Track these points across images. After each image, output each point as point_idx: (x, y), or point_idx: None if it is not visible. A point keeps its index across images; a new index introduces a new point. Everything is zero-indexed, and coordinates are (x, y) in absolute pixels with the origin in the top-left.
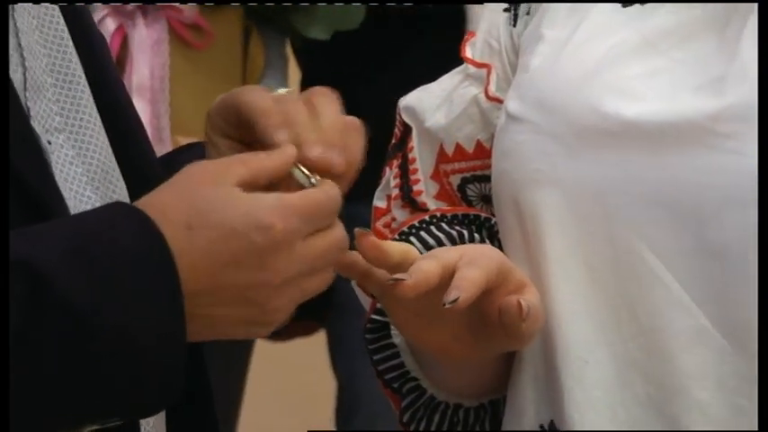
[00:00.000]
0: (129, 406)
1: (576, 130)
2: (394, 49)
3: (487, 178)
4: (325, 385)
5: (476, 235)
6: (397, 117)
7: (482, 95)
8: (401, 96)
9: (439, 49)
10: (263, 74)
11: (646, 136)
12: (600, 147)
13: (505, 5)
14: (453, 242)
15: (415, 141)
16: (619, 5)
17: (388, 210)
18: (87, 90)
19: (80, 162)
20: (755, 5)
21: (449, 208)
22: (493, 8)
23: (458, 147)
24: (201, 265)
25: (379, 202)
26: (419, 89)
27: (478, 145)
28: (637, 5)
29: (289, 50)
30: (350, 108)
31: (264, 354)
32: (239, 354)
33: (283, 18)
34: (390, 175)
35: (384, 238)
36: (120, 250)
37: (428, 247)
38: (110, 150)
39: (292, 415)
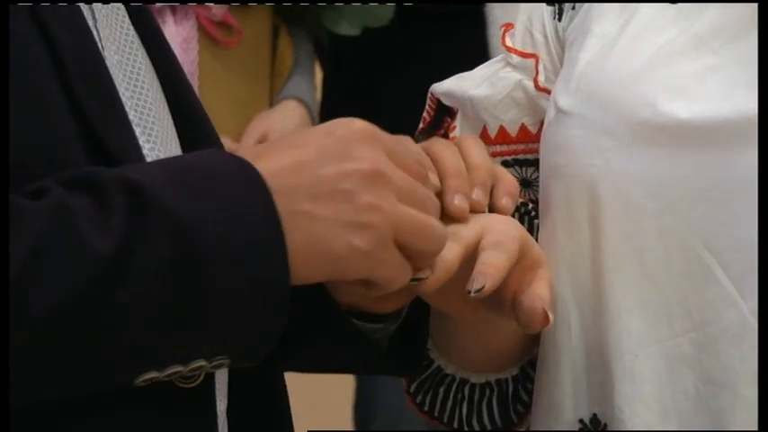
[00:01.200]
0: (239, 333)
1: (629, 125)
2: (419, 46)
3: (529, 162)
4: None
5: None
6: (428, 104)
7: (529, 83)
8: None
9: (463, 47)
10: (292, 72)
11: (700, 134)
12: (653, 143)
13: None
14: None
15: (458, 123)
16: (668, 3)
17: None
18: (156, 86)
19: (154, 156)
20: None
21: None
22: (531, 4)
23: (501, 129)
24: (286, 162)
25: None
26: (454, 77)
27: (522, 128)
28: (688, 3)
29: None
30: (375, 105)
31: None
32: None
33: (312, 14)
34: None
35: None
36: (214, 173)
37: None
38: (178, 145)
39: (309, 414)
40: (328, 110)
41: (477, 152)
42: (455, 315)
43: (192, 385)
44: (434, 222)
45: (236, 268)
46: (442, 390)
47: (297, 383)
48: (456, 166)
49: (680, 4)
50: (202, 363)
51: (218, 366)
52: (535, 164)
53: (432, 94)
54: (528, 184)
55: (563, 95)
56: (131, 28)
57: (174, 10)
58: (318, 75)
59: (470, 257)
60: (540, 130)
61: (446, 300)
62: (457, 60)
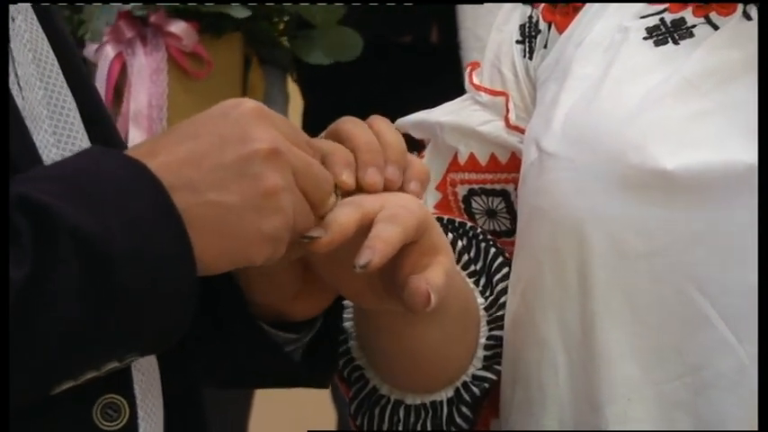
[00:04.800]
0: (152, 332)
1: (618, 169)
2: (398, 81)
3: (496, 192)
4: (326, 417)
5: (459, 242)
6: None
7: (500, 123)
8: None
9: (438, 82)
10: (263, 102)
11: (691, 183)
12: (644, 187)
13: (518, 37)
14: None
15: (427, 154)
16: (651, 46)
17: None
18: (79, 121)
19: (64, 151)
20: None
21: (436, 212)
22: (498, 39)
23: (471, 157)
24: (183, 155)
25: None
26: (420, 112)
27: (492, 158)
28: (671, 45)
29: (290, 84)
30: None
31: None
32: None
33: (283, 44)
34: None
35: None
36: (110, 180)
37: None
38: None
39: (310, 413)
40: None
41: (391, 131)
42: (361, 303)
43: (117, 427)
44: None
45: (146, 277)
46: (377, 411)
47: (281, 416)
48: (369, 141)
49: (663, 48)
50: (115, 364)
51: (129, 362)
52: (501, 194)
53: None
54: (493, 215)
55: (546, 137)
56: (40, 27)
57: (144, 41)
58: (300, 104)
59: (367, 229)
60: (509, 161)
61: (346, 281)
62: (433, 95)
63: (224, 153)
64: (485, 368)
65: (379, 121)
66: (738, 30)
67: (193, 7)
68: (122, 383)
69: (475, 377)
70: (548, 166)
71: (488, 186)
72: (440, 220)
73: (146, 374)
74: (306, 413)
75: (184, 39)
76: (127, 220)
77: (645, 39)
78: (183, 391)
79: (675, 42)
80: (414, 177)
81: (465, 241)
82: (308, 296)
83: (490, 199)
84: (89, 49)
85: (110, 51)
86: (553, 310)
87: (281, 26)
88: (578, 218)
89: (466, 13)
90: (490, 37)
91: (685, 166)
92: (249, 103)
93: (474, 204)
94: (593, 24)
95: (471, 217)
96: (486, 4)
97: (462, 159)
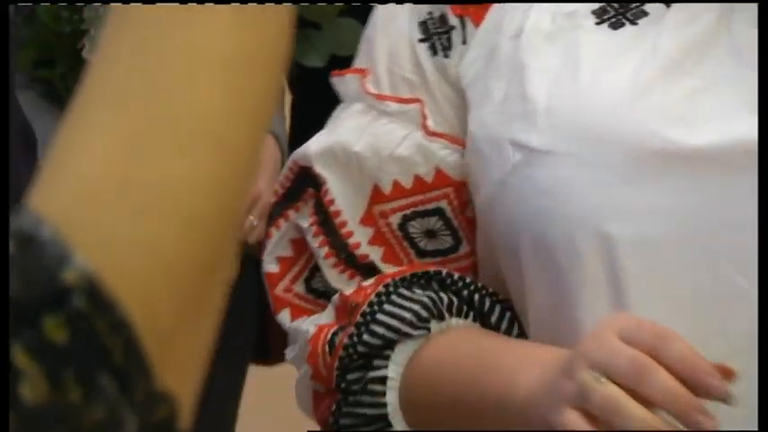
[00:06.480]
0: None
1: (634, 157)
2: None
3: (429, 212)
4: None
5: (443, 296)
6: (286, 173)
7: (418, 134)
8: None
9: None
10: None
11: (716, 160)
12: (665, 173)
13: (420, 36)
14: (429, 310)
15: (334, 191)
16: (608, 29)
17: (284, 274)
18: None
19: None
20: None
21: (396, 271)
22: (388, 42)
23: (395, 184)
24: None
25: (270, 267)
26: (317, 136)
27: (417, 179)
28: (629, 27)
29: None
30: None
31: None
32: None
33: None
34: (279, 236)
35: (292, 305)
36: None
37: (405, 322)
38: None
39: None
40: (297, 139)
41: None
42: None
43: None
44: None
45: None
46: None
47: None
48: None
49: (623, 30)
50: None
51: None
52: (436, 213)
53: (294, 161)
54: (433, 235)
55: (530, 134)
56: None
57: None
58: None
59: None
60: (435, 178)
61: None
62: None
63: None
64: None
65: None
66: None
67: None
68: None
69: None
70: (545, 164)
71: (420, 209)
72: (405, 279)
73: None
74: None
75: None
76: None
77: (597, 24)
78: None
79: (633, 23)
80: None
81: (451, 293)
82: None
83: (426, 220)
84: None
85: None
86: (583, 311)
87: None
88: (597, 212)
89: None
90: (376, 42)
91: (708, 142)
92: None
93: (411, 229)
94: (524, 14)
95: (411, 242)
96: None
97: (386, 189)
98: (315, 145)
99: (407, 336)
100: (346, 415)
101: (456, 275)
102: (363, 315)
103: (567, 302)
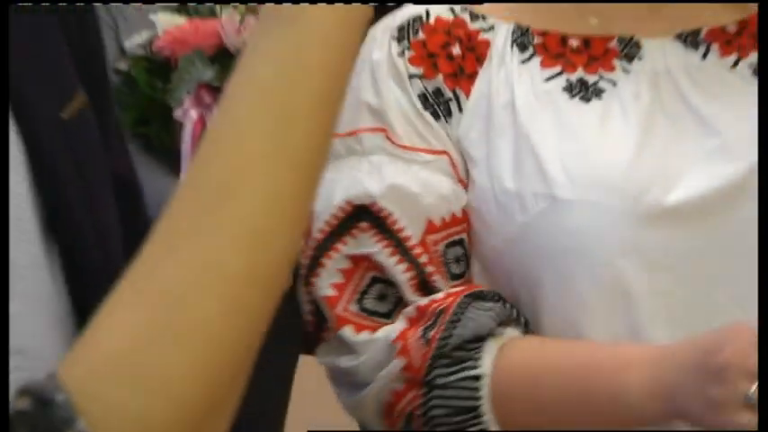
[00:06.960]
0: None
1: (639, 207)
2: None
3: (455, 243)
4: None
5: (508, 306)
6: (337, 211)
7: (457, 185)
8: None
9: None
10: None
11: (696, 210)
12: (661, 218)
13: (421, 106)
14: (507, 315)
15: (403, 221)
16: (581, 102)
17: (340, 296)
18: None
19: None
20: None
21: (463, 288)
22: (394, 106)
23: (442, 219)
24: None
25: (328, 291)
26: (368, 181)
27: (453, 216)
28: (596, 101)
29: None
30: None
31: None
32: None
33: None
34: (332, 265)
35: (353, 322)
36: None
37: (494, 319)
38: None
39: (309, 412)
40: None
41: None
42: None
43: None
44: None
45: None
46: None
47: (299, 379)
48: None
49: (594, 103)
50: None
51: None
52: (459, 243)
53: (347, 202)
54: (458, 261)
55: (551, 186)
56: None
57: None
58: None
59: None
60: (462, 215)
61: None
62: None
63: None
64: None
65: None
66: (631, 79)
67: (193, 8)
68: None
69: None
70: (568, 210)
71: (456, 238)
72: (472, 295)
73: None
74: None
75: None
76: None
77: (571, 97)
78: None
79: (598, 97)
80: None
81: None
82: None
83: (455, 248)
84: (177, 112)
85: (193, 114)
86: (598, 326)
87: None
88: (613, 249)
89: None
90: (380, 102)
91: (685, 200)
92: None
93: (448, 255)
94: (509, 88)
95: (447, 266)
96: None
97: (437, 222)
98: (375, 188)
99: (493, 334)
100: (438, 406)
101: (498, 294)
102: (455, 313)
103: (582, 320)
